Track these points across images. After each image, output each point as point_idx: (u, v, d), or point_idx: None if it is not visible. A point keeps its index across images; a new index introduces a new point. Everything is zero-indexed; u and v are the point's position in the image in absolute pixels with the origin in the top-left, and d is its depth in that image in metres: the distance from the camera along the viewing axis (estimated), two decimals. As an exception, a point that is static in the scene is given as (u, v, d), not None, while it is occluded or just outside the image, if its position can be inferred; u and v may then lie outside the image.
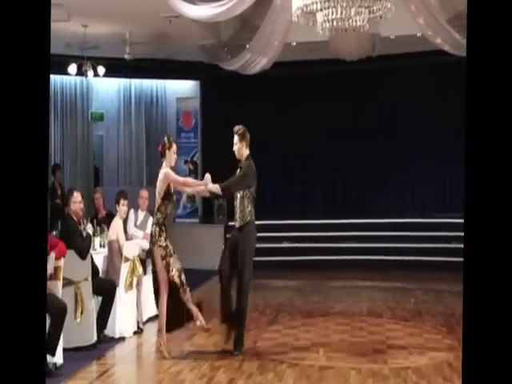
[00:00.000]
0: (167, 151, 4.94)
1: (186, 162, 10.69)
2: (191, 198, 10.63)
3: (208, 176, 5.00)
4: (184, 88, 11.02)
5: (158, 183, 4.92)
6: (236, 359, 4.93)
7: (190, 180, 5.24)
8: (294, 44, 8.73)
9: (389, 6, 5.72)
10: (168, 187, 4.90)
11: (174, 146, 5.01)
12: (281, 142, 10.57)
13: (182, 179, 5.10)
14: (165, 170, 4.91)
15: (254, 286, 8.77)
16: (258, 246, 10.23)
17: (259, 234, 11.54)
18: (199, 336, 5.70)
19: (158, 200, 4.89)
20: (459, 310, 6.61)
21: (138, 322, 5.77)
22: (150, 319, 6.16)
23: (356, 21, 6.23)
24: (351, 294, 7.41)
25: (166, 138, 5.03)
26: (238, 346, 4.96)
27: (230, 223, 9.98)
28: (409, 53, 9.51)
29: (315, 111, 10.35)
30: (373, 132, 10.14)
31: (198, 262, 9.66)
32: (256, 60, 8.58)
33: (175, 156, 5.02)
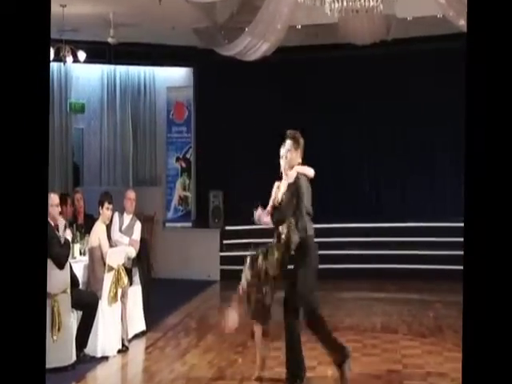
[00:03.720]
0: None
1: (177, 159, 10.67)
2: (183, 199, 10.63)
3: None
4: (175, 76, 10.99)
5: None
6: (233, 380, 4.92)
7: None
8: (299, 27, 8.72)
9: (405, -17, 5.72)
10: None
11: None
12: (284, 135, 10.53)
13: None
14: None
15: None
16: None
17: (257, 240, 11.55)
18: (192, 354, 5.69)
19: None
20: (484, 325, 6.61)
21: (122, 340, 5.75)
22: (137, 336, 6.15)
23: (369, 0, 6.24)
24: (363, 307, 7.41)
25: None
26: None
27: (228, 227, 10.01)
28: (428, 36, 9.48)
29: (322, 101, 10.34)
30: (386, 124, 10.12)
31: (192, 270, 9.67)
32: (256, 45, 8.58)
33: None
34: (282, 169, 4.88)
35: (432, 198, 10.15)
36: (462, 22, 7.60)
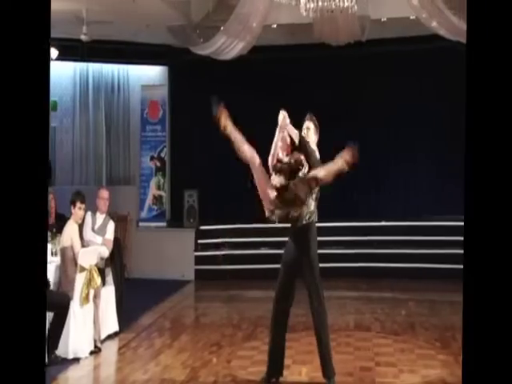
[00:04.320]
0: None
1: (151, 158, 10.59)
2: (157, 198, 10.56)
3: (282, 113, 4.73)
4: (150, 74, 10.91)
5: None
6: (207, 380, 4.91)
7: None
8: (275, 26, 8.75)
9: (379, -15, 5.78)
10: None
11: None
12: (261, 134, 10.54)
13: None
14: None
15: (228, 297, 8.81)
16: (231, 252, 10.21)
17: (232, 240, 11.50)
18: (166, 355, 5.66)
19: None
20: (455, 322, 6.71)
21: (95, 341, 5.69)
22: (109, 337, 6.09)
23: (343, 1, 6.29)
24: (336, 306, 7.45)
25: None
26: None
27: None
28: (401, 37, 9.59)
29: (298, 100, 10.34)
30: (361, 123, 10.20)
31: (166, 270, 9.62)
32: (232, 44, 8.57)
33: None
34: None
35: (405, 197, 10.27)
36: (434, 24, 7.72)
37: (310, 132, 4.82)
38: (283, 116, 4.72)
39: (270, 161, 4.78)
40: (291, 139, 4.76)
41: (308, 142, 4.74)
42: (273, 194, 4.59)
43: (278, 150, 4.75)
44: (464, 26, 7.61)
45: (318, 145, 4.91)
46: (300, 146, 4.69)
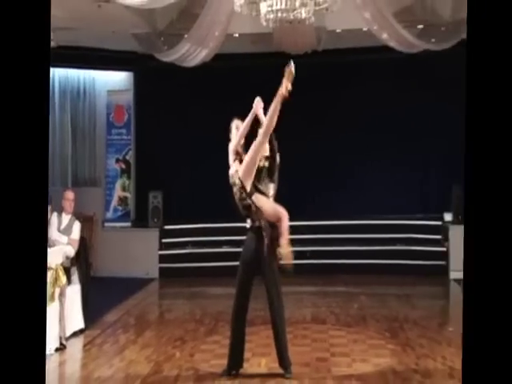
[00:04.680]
0: None
1: (117, 160, 10.47)
2: (122, 199, 10.44)
3: (258, 99, 4.81)
4: (115, 80, 10.78)
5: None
6: (170, 373, 4.88)
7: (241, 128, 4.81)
8: (237, 35, 8.76)
9: (334, -2, 5.86)
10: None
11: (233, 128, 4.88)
12: (223, 139, 10.55)
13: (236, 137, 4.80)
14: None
15: (192, 294, 8.76)
16: (194, 250, 10.17)
17: (196, 239, 11.44)
18: (131, 350, 5.60)
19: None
20: (402, 313, 6.87)
21: (60, 338, 5.58)
22: (75, 334, 5.99)
23: (301, 13, 6.34)
24: (294, 301, 7.50)
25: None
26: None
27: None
28: (354, 48, 9.75)
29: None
30: (317, 128, 10.32)
31: (131, 269, 9.51)
32: (195, 51, 8.54)
33: None
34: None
35: (358, 197, 10.44)
36: (385, 36, 7.87)
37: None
38: (257, 101, 4.75)
39: (237, 140, 4.77)
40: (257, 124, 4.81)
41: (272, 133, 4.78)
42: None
43: (245, 131, 4.75)
44: (411, 39, 7.75)
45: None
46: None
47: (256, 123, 4.84)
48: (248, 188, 4.60)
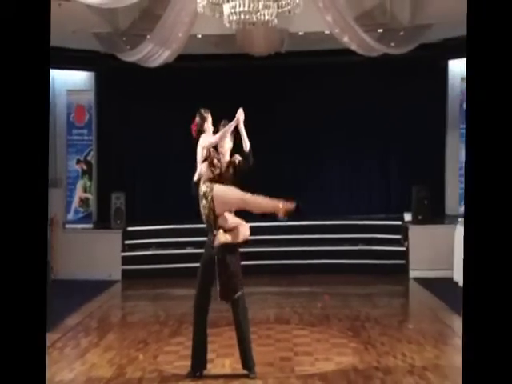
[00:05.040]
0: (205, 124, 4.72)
1: (78, 161, 10.29)
2: (84, 201, 10.26)
3: (241, 110, 4.77)
4: (76, 80, 10.58)
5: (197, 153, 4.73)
6: (134, 376, 4.83)
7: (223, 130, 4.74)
8: (200, 36, 8.73)
9: (297, 1, 5.91)
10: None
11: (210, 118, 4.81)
12: (186, 140, 10.49)
13: (216, 136, 4.73)
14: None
15: (155, 296, 8.68)
16: (157, 252, 10.10)
17: (160, 240, 11.34)
18: (92, 353, 5.52)
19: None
20: (364, 312, 6.98)
21: (21, 341, 5.45)
22: None
23: (264, 15, 6.37)
24: (258, 301, 7.54)
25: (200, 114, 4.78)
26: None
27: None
28: (317, 50, 9.86)
29: (222, 108, 10.40)
30: (280, 129, 10.38)
31: (93, 271, 9.36)
32: (158, 52, 8.47)
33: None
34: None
35: (322, 198, 10.56)
36: (346, 39, 7.98)
37: (227, 139, 4.84)
38: (240, 112, 4.74)
39: (215, 140, 4.75)
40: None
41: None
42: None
43: (225, 137, 4.72)
44: (371, 42, 7.84)
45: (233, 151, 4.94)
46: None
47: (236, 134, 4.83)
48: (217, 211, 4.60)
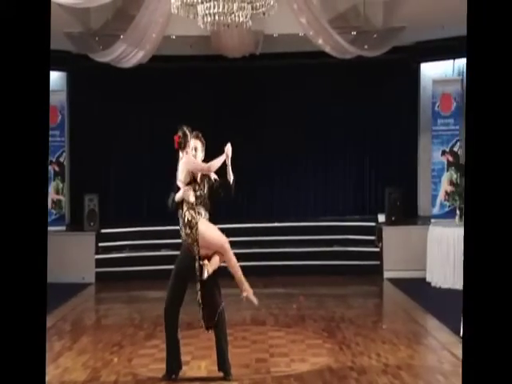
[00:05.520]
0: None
1: (50, 162, 10.10)
2: (56, 203, 10.10)
3: (229, 145, 4.75)
4: (48, 79, 10.41)
5: (179, 173, 4.67)
6: (108, 379, 4.77)
7: (214, 161, 4.73)
8: (174, 37, 8.68)
9: (272, 3, 5.92)
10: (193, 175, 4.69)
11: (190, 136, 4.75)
12: (160, 141, 10.43)
13: (205, 165, 4.74)
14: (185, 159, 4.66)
15: (130, 298, 8.59)
16: (132, 254, 9.98)
17: (134, 242, 11.21)
18: (66, 357, 5.42)
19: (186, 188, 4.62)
20: (339, 313, 7.02)
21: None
22: None
23: (238, 16, 6.37)
24: (234, 303, 7.49)
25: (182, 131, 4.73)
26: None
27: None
28: (292, 52, 9.90)
29: (196, 109, 10.38)
30: (254, 131, 10.39)
31: (66, 274, 9.19)
32: (131, 52, 8.40)
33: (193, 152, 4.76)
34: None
35: (296, 199, 10.61)
36: (320, 41, 8.04)
37: (198, 151, 4.82)
38: (228, 148, 4.79)
39: (201, 169, 4.75)
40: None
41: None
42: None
43: (213, 169, 4.77)
44: (345, 45, 7.91)
45: (206, 159, 4.91)
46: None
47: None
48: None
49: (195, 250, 4.64)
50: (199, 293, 4.70)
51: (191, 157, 4.73)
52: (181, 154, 4.78)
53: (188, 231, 4.62)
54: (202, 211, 4.70)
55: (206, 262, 4.65)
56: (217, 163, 4.75)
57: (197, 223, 4.61)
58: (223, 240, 4.77)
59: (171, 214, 10.28)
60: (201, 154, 4.84)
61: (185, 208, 4.66)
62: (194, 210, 4.65)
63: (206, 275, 4.62)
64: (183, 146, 4.74)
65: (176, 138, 4.76)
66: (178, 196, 4.69)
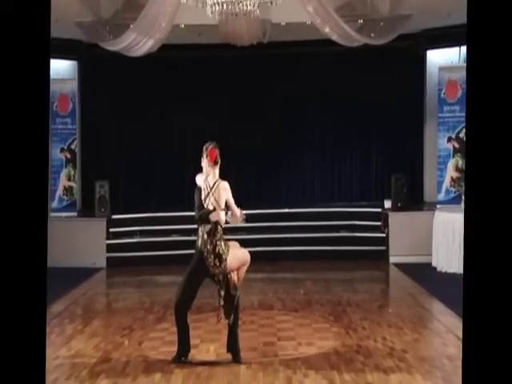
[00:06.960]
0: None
1: (62, 150, 10.15)
2: (68, 189, 10.15)
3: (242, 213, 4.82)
4: (59, 68, 10.39)
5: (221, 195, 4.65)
6: (119, 362, 4.81)
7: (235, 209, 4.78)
8: (183, 26, 8.63)
9: (279, -9, 5.86)
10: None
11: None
12: (169, 129, 10.43)
13: (234, 207, 4.78)
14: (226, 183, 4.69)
15: (140, 283, 8.64)
16: (143, 239, 10.02)
17: (144, 228, 11.22)
18: (78, 340, 5.47)
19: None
20: (345, 297, 7.03)
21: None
22: None
23: (246, 5, 6.32)
24: (242, 287, 7.49)
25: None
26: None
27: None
28: (299, 40, 9.82)
29: (205, 97, 10.35)
30: (262, 119, 10.35)
31: (78, 259, 9.27)
32: (141, 41, 8.36)
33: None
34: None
35: (303, 185, 10.60)
36: (327, 30, 7.96)
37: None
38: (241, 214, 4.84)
39: (231, 205, 4.78)
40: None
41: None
42: None
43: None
44: (352, 33, 7.86)
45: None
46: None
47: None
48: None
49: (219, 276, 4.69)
50: (219, 289, 4.72)
51: (228, 187, 4.70)
52: (205, 162, 4.73)
53: (217, 263, 4.62)
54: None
55: (233, 276, 4.72)
56: (235, 211, 4.78)
57: (226, 259, 4.62)
58: (246, 258, 4.83)
59: (180, 199, 10.29)
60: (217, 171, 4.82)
61: (218, 235, 4.63)
62: (224, 241, 4.66)
63: (235, 291, 4.73)
64: (219, 162, 4.72)
65: (215, 153, 4.70)
66: (215, 217, 4.66)
